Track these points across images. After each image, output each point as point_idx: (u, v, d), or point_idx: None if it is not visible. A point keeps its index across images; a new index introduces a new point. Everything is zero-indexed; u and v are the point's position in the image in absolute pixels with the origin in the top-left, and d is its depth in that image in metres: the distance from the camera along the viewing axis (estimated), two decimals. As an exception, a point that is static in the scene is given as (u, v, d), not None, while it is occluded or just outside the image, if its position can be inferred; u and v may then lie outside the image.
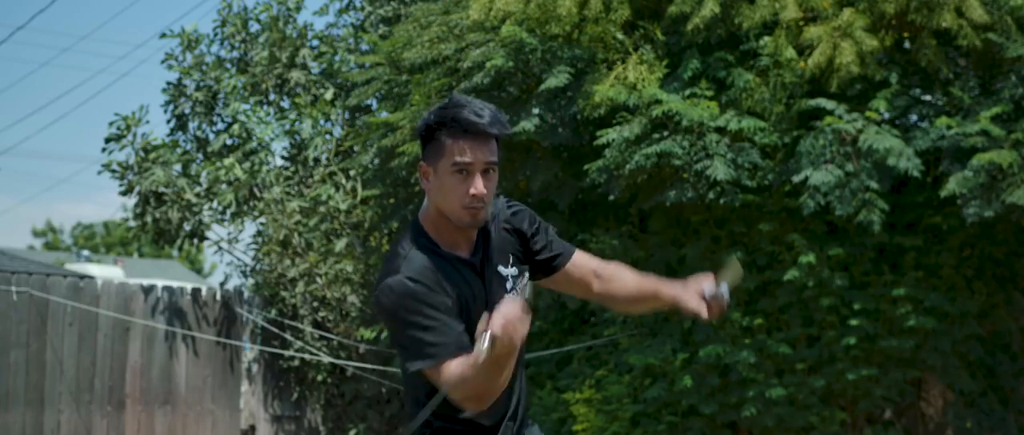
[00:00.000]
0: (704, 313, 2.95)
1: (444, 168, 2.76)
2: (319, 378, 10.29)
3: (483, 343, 2.53)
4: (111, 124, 10.21)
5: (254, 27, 11.01)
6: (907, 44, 7.65)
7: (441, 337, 2.70)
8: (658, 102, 6.99)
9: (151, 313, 9.79)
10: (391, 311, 2.76)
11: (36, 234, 47.38)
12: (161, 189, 10.24)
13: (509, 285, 2.90)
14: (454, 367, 2.67)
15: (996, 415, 7.57)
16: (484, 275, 2.86)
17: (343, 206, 10.15)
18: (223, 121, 10.80)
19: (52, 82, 72.05)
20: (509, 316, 2.54)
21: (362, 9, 11.10)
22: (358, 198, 10.13)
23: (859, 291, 7.37)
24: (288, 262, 10.25)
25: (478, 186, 2.74)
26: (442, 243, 2.83)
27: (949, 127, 6.93)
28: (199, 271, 41.52)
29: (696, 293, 2.96)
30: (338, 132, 10.83)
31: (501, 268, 2.89)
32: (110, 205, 76.16)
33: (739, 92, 7.18)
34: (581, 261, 3.07)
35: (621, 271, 3.11)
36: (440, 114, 2.77)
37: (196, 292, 10.20)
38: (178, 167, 10.38)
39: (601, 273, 3.09)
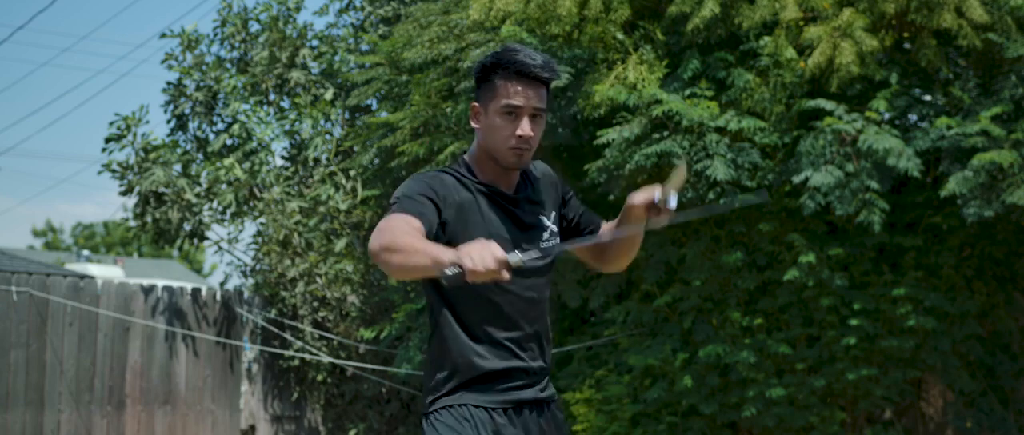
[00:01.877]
0: (651, 219, 2.96)
1: (494, 108, 2.93)
2: (319, 378, 10.29)
3: (448, 271, 2.54)
4: (111, 124, 10.22)
5: (254, 27, 11.01)
6: (907, 44, 7.65)
7: (415, 203, 2.81)
8: (658, 102, 6.98)
9: (151, 313, 9.79)
10: (398, 189, 2.90)
11: (36, 234, 47.40)
12: (161, 189, 10.24)
13: (545, 237, 3.03)
14: (398, 219, 2.75)
15: (996, 415, 7.57)
16: (518, 213, 3.00)
17: (343, 206, 10.15)
18: (223, 121, 10.80)
19: (52, 82, 72.10)
20: (482, 258, 2.53)
21: (362, 9, 11.10)
22: (358, 198, 10.13)
23: (859, 291, 7.37)
24: (288, 262, 10.25)
25: (525, 128, 2.91)
26: (481, 176, 2.98)
27: (949, 127, 6.93)
28: (199, 271, 41.52)
29: (645, 198, 2.95)
30: (338, 132, 10.83)
31: (544, 218, 3.05)
32: (110, 205, 76.21)
33: (739, 92, 7.18)
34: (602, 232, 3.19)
35: (605, 231, 3.22)
36: (496, 56, 2.94)
37: (196, 292, 10.20)
38: (178, 167, 10.38)
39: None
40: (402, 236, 2.68)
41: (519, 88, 2.91)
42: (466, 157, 3.02)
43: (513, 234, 2.96)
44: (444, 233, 2.87)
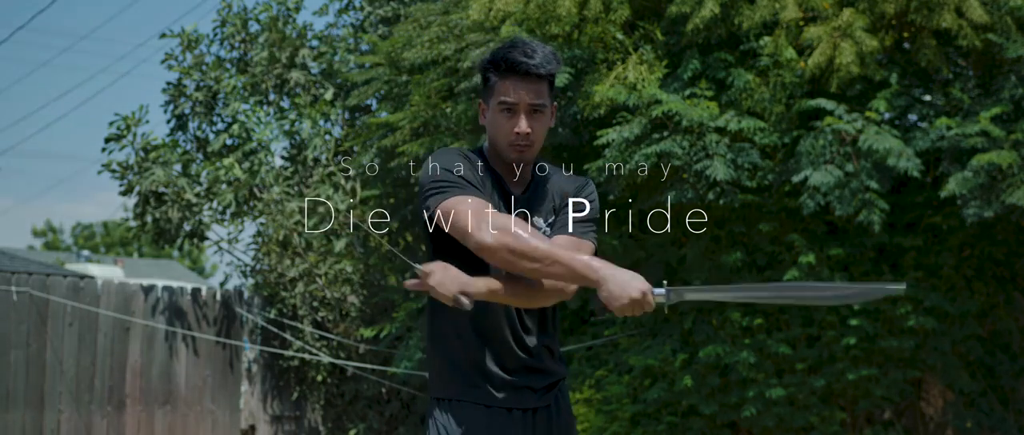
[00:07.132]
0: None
1: (494, 106, 2.97)
2: (319, 378, 10.29)
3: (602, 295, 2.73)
4: (111, 124, 10.21)
5: (254, 27, 11.01)
6: (907, 44, 7.64)
7: (459, 188, 2.88)
8: (658, 102, 6.98)
9: (151, 313, 9.79)
10: (428, 166, 2.93)
11: (36, 234, 47.41)
12: (161, 189, 10.23)
13: None
14: (462, 201, 2.84)
15: (996, 415, 7.57)
16: (512, 211, 2.99)
17: (343, 206, 10.15)
18: (223, 121, 10.79)
19: (52, 82, 72.12)
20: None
21: (362, 9, 11.10)
22: (358, 198, 10.13)
23: (859, 291, 7.36)
24: (288, 262, 10.25)
25: (521, 125, 2.94)
26: (497, 169, 3.02)
27: (949, 127, 6.93)
28: (199, 271, 41.53)
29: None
30: (338, 132, 10.83)
31: (537, 219, 3.03)
32: (110, 205, 76.24)
33: (739, 92, 7.17)
34: (559, 241, 2.99)
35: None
36: (493, 54, 2.98)
37: (196, 292, 10.20)
38: (178, 167, 10.38)
39: None
40: (524, 235, 2.79)
41: (513, 85, 2.93)
42: (483, 148, 3.08)
43: None
44: None
